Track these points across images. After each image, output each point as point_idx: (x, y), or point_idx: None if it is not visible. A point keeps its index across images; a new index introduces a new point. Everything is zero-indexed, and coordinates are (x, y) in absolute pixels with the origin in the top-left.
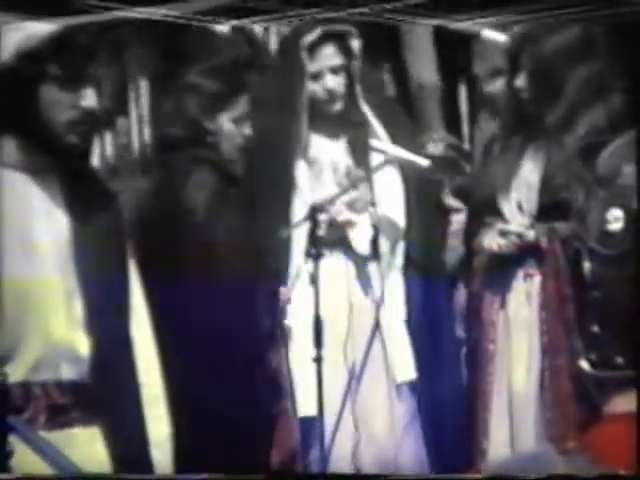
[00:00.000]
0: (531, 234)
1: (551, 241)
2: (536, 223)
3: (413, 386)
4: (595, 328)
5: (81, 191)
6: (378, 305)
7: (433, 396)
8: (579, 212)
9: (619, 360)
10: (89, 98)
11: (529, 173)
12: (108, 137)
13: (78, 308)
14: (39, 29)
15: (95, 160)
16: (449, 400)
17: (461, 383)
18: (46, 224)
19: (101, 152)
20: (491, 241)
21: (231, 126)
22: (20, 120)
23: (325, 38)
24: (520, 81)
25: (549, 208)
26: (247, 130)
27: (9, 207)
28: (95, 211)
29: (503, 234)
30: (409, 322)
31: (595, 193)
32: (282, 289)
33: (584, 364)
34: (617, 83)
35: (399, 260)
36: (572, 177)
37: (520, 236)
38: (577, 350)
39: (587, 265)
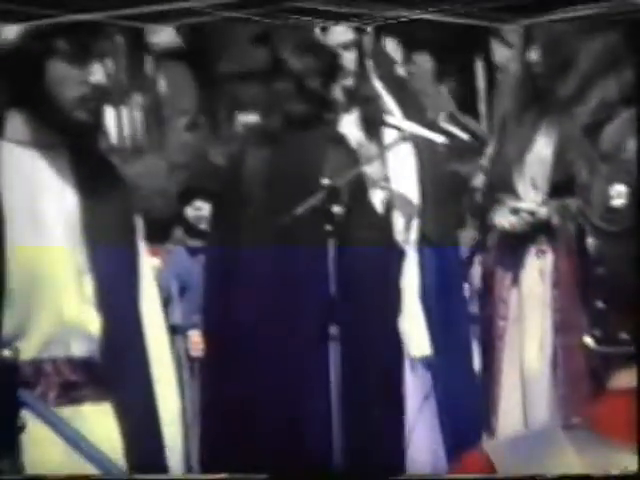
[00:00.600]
0: (543, 211)
1: (563, 218)
2: (549, 200)
3: (427, 362)
4: (599, 304)
5: (89, 167)
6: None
7: (446, 372)
8: (583, 188)
9: (623, 336)
10: (98, 74)
11: (542, 148)
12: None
13: (88, 285)
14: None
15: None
16: (462, 377)
17: (474, 360)
18: (55, 201)
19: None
20: (503, 219)
21: None
22: (29, 97)
23: (337, 14)
24: (532, 54)
25: (561, 184)
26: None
27: (19, 183)
28: (104, 187)
29: (515, 212)
30: (424, 299)
31: (599, 169)
32: None
33: (588, 340)
34: (629, 57)
35: (413, 236)
36: (578, 153)
37: (532, 213)
38: (581, 326)
39: (591, 241)
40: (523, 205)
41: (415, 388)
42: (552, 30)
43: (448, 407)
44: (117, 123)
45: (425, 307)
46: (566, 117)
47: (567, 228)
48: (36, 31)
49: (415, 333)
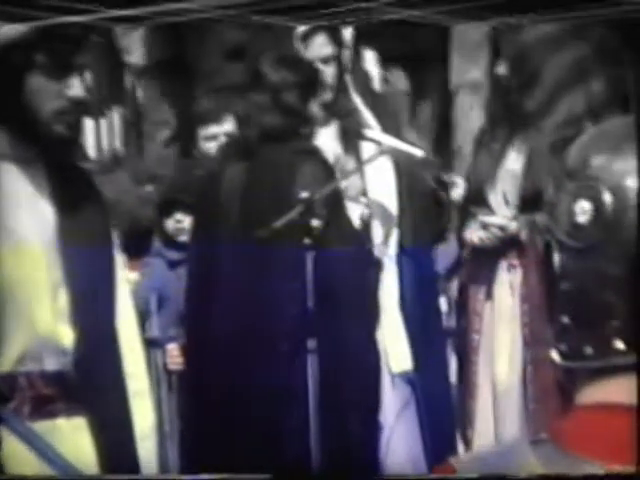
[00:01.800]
0: (513, 225)
1: (531, 233)
2: (519, 214)
3: (408, 376)
4: (565, 319)
5: (66, 180)
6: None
7: (424, 386)
8: (549, 204)
9: (588, 351)
10: (76, 87)
11: (513, 163)
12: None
13: (63, 300)
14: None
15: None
16: (439, 390)
17: (450, 373)
18: (32, 215)
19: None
20: (472, 234)
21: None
22: (7, 110)
23: (317, 27)
24: (501, 68)
25: (530, 199)
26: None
27: None
28: (80, 200)
29: (484, 226)
30: (402, 311)
31: (564, 184)
32: None
33: (554, 355)
34: (597, 69)
35: (392, 249)
36: (544, 168)
37: (502, 228)
38: (549, 341)
39: (557, 257)
40: (492, 220)
41: (394, 401)
42: (519, 43)
43: (427, 419)
44: (95, 136)
45: (404, 320)
46: (534, 132)
47: (535, 243)
48: (14, 44)
49: (395, 347)
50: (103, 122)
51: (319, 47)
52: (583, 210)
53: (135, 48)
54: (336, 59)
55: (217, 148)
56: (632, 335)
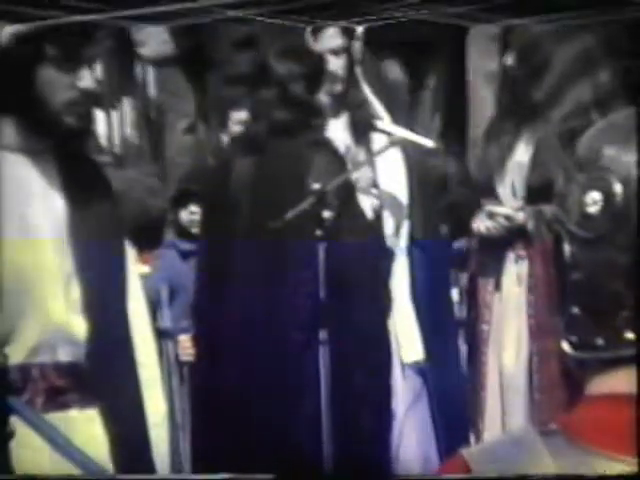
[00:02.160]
0: (520, 216)
1: (539, 224)
2: (526, 205)
3: (420, 367)
4: (575, 310)
5: (78, 172)
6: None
7: (436, 377)
8: (559, 195)
9: (599, 341)
10: (86, 79)
11: (522, 155)
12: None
13: (76, 291)
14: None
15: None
16: (451, 381)
17: (461, 364)
18: (44, 206)
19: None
20: (479, 223)
21: None
22: (18, 102)
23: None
24: (510, 59)
25: (538, 190)
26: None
27: (8, 189)
28: (92, 192)
29: (490, 216)
30: (414, 302)
31: (574, 175)
32: None
33: (565, 345)
34: (605, 60)
35: (403, 240)
36: (554, 159)
37: (508, 218)
38: (556, 332)
39: (567, 248)
40: (499, 209)
41: (406, 392)
42: (527, 34)
43: (439, 410)
44: (108, 127)
45: (415, 310)
46: (543, 123)
47: (542, 234)
48: (25, 36)
49: (407, 338)
50: (115, 114)
51: (329, 39)
52: (594, 201)
53: (149, 41)
54: (346, 51)
55: (229, 140)
56: None
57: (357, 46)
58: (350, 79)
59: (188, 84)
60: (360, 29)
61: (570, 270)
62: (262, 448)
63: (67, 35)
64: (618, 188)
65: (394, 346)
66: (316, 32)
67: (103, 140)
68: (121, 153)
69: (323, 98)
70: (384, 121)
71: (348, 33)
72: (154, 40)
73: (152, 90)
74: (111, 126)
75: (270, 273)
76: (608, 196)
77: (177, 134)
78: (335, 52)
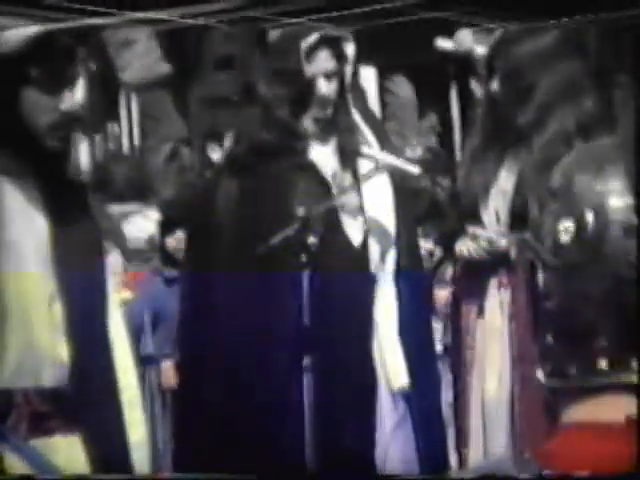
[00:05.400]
0: (503, 242)
1: (520, 251)
2: (509, 233)
3: (404, 393)
4: (549, 338)
5: (60, 194)
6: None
7: (420, 403)
8: (534, 222)
9: (571, 370)
10: (69, 101)
11: (505, 181)
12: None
13: (58, 314)
14: (21, 31)
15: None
16: (433, 407)
17: (445, 390)
18: (26, 228)
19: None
20: (462, 246)
21: None
22: (0, 124)
23: (320, 42)
24: (495, 85)
25: (520, 217)
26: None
27: None
28: (74, 215)
29: (473, 238)
30: (400, 329)
31: (549, 204)
32: None
33: (539, 374)
34: (589, 88)
35: (389, 267)
36: (531, 187)
37: (490, 242)
38: (535, 360)
39: (540, 276)
40: (482, 232)
41: (390, 418)
42: (512, 59)
43: (422, 436)
44: (90, 151)
45: (400, 337)
46: (525, 150)
47: (524, 261)
48: (8, 58)
49: (393, 365)
50: (98, 138)
51: (323, 62)
52: (566, 229)
53: (130, 66)
54: (338, 74)
55: (212, 164)
56: (615, 354)
57: (348, 70)
58: (340, 103)
59: (171, 108)
60: (351, 50)
61: (544, 298)
62: (245, 474)
63: (50, 57)
64: (590, 217)
65: (379, 373)
66: (310, 54)
67: (85, 163)
68: (103, 177)
69: (307, 122)
70: (371, 147)
71: (340, 56)
72: (135, 64)
73: (134, 114)
74: (94, 150)
75: (254, 300)
76: (580, 225)
77: (160, 158)
78: (327, 75)
